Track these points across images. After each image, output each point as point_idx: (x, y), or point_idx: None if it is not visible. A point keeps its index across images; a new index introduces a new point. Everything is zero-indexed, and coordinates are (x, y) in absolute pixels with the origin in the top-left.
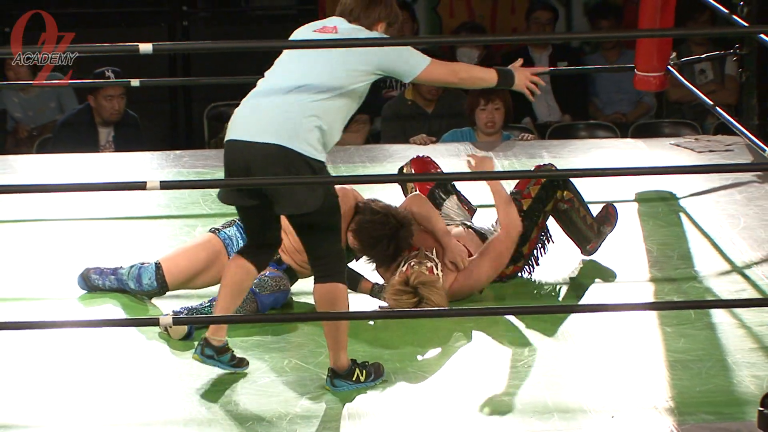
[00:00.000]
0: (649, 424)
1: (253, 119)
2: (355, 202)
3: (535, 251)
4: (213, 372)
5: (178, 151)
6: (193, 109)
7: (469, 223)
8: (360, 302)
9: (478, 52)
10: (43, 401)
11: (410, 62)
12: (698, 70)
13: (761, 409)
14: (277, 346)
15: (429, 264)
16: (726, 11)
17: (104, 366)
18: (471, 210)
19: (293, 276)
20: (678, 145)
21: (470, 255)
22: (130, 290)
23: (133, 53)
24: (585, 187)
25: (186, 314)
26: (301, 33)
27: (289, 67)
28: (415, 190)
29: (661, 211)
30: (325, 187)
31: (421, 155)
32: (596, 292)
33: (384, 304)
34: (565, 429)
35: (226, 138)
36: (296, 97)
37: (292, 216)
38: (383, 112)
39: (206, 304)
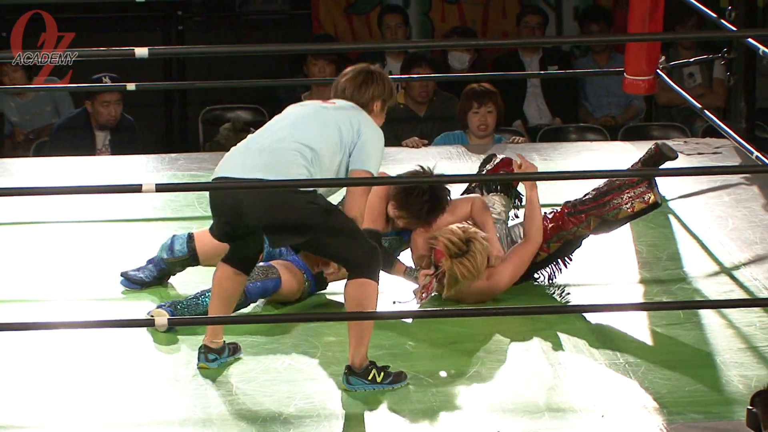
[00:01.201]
0: (639, 423)
1: (244, 158)
2: None
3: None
4: (207, 373)
5: (173, 154)
6: (188, 112)
7: (503, 224)
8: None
9: (469, 56)
10: (37, 402)
11: (360, 157)
12: (687, 74)
13: (750, 407)
14: (271, 348)
15: (483, 234)
16: (714, 15)
17: (100, 367)
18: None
19: (322, 282)
20: None
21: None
22: (165, 266)
23: (129, 57)
24: (574, 189)
25: (170, 308)
26: (299, 103)
27: (281, 124)
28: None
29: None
30: (317, 206)
31: (508, 156)
32: (587, 293)
33: (415, 286)
34: (556, 428)
35: (215, 176)
36: (285, 143)
37: (298, 245)
38: None
39: (191, 298)
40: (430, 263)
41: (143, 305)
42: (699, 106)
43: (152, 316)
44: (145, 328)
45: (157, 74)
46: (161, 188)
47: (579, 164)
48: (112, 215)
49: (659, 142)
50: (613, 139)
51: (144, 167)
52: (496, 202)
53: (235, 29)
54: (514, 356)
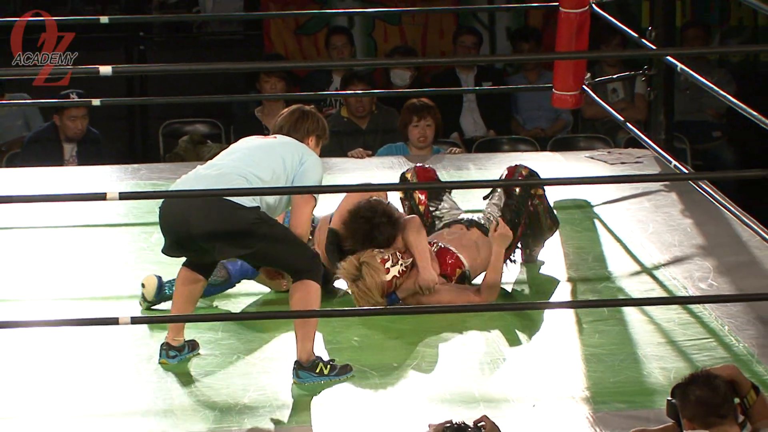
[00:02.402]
0: (567, 412)
1: (191, 181)
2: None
3: (513, 254)
4: (168, 367)
5: (135, 165)
6: (149, 126)
7: (468, 217)
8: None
9: (410, 73)
10: (4, 394)
11: (302, 181)
12: (610, 89)
13: (670, 398)
14: (227, 343)
15: (386, 257)
16: (635, 35)
17: (67, 361)
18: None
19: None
20: (592, 158)
21: (468, 254)
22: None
23: (95, 75)
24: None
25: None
26: (243, 139)
27: (228, 157)
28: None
29: (577, 217)
30: (261, 221)
31: (424, 165)
32: (518, 292)
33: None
34: (490, 416)
35: (162, 202)
36: (233, 172)
37: (245, 257)
38: None
39: None
40: None
41: (108, 305)
42: (622, 119)
43: (143, 284)
44: (118, 330)
45: (120, 90)
46: (124, 196)
47: None
48: (79, 221)
49: None
50: (543, 149)
51: (108, 177)
52: (449, 203)
53: (192, 49)
54: (452, 351)
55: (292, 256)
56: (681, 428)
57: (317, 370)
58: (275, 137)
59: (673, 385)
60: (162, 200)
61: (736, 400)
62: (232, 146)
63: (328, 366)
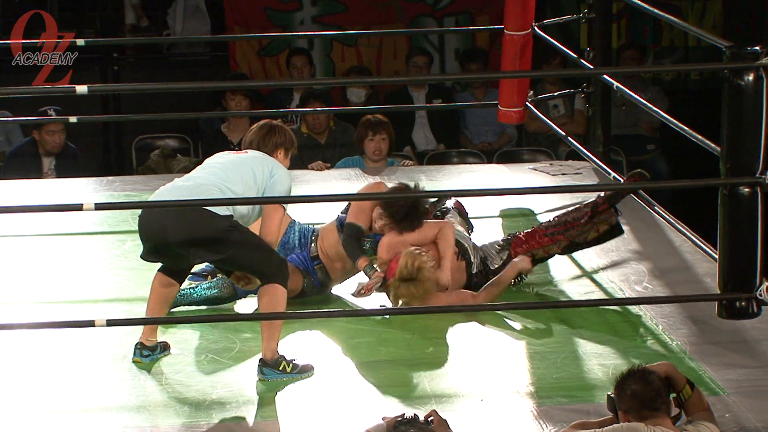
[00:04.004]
0: (513, 407)
1: (168, 192)
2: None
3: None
4: (141, 366)
5: (110, 177)
6: (123, 141)
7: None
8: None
9: (365, 91)
10: None
11: (273, 192)
12: (552, 106)
13: (609, 393)
14: (197, 343)
15: (425, 258)
16: (575, 56)
17: (45, 361)
18: (469, 229)
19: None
20: (535, 169)
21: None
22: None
23: (71, 94)
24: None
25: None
26: (217, 154)
27: (203, 172)
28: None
29: (522, 225)
30: (234, 228)
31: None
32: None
33: (365, 280)
34: (441, 411)
35: (141, 211)
36: (206, 183)
37: (217, 262)
38: None
39: (185, 288)
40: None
41: (84, 308)
42: (563, 133)
43: None
44: (94, 332)
45: (96, 108)
46: (100, 207)
47: (461, 184)
48: (57, 230)
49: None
50: (490, 161)
51: (84, 189)
52: (457, 219)
53: (163, 69)
54: (405, 350)
55: (261, 261)
56: (618, 421)
57: (280, 368)
58: (246, 152)
59: (616, 382)
60: (140, 210)
61: (673, 395)
62: (206, 161)
63: (291, 364)
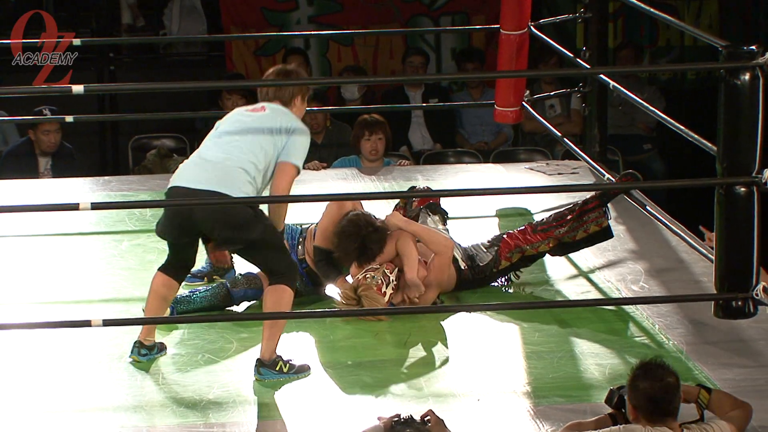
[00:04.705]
0: (510, 406)
1: (197, 171)
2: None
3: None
4: (138, 365)
5: (106, 177)
6: (119, 140)
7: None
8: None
9: (358, 89)
10: None
11: (289, 153)
12: (548, 105)
13: (612, 387)
14: (192, 343)
15: (379, 280)
16: (571, 55)
17: (43, 361)
18: (444, 220)
19: (318, 279)
20: (532, 169)
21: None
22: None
23: (67, 93)
24: (453, 204)
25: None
26: (237, 112)
27: (226, 139)
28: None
29: (519, 225)
30: (258, 221)
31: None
32: (465, 295)
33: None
34: (438, 411)
35: (171, 185)
36: (232, 162)
37: (240, 251)
38: None
39: (185, 294)
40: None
41: (81, 308)
42: (559, 133)
43: None
44: (90, 333)
45: (92, 107)
46: (96, 206)
47: (457, 183)
48: (54, 230)
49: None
50: (486, 161)
51: (81, 188)
52: (428, 218)
53: (159, 69)
54: (401, 349)
55: (274, 259)
56: (619, 416)
57: (277, 368)
58: (263, 109)
59: (635, 366)
60: (169, 186)
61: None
62: (226, 124)
63: (287, 364)
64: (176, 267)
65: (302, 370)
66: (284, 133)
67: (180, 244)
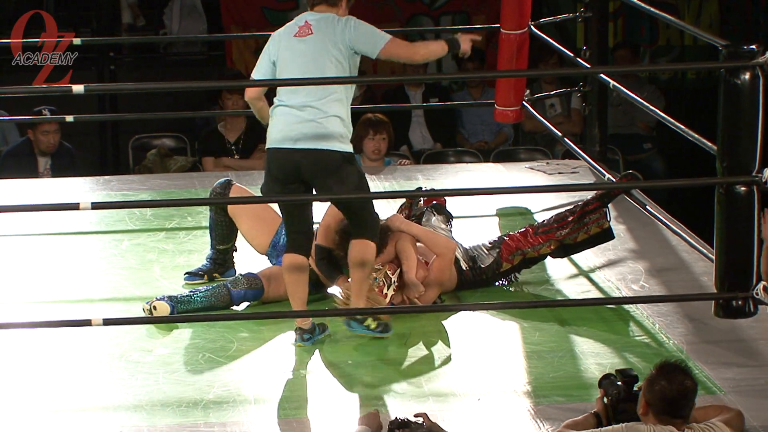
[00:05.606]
0: (510, 406)
1: (290, 129)
2: None
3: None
4: (139, 364)
5: (107, 177)
6: (120, 140)
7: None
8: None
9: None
10: None
11: (371, 40)
12: (548, 105)
13: (610, 374)
14: (193, 343)
15: (381, 282)
16: (571, 55)
17: (44, 360)
18: (448, 221)
19: (320, 284)
20: (532, 168)
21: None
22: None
23: (68, 93)
24: (453, 204)
25: (169, 301)
26: (281, 37)
27: (302, 91)
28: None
29: (519, 224)
30: (356, 172)
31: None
32: (465, 295)
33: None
34: (439, 410)
35: (270, 146)
36: (313, 105)
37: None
38: None
39: (185, 294)
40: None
41: (81, 307)
42: (559, 133)
43: (154, 306)
44: (96, 329)
45: (92, 107)
46: (96, 206)
47: (457, 183)
48: (54, 230)
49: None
50: (486, 161)
51: (81, 188)
52: (433, 218)
53: (160, 68)
54: (402, 349)
55: (364, 211)
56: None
57: (365, 323)
58: (308, 25)
59: (657, 364)
60: (272, 145)
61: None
62: (293, 61)
63: (376, 322)
64: (295, 241)
65: (387, 330)
66: (340, 38)
67: (291, 189)
